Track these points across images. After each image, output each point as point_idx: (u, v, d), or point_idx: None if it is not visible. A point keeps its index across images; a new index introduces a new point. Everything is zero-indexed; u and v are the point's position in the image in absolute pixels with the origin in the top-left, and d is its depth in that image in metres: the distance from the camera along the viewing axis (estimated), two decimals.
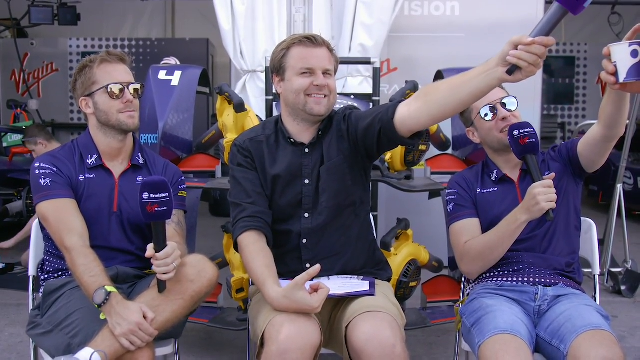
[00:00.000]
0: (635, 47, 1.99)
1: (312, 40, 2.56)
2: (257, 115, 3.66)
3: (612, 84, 2.07)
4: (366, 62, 4.27)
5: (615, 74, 2.04)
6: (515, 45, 1.97)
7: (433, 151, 3.90)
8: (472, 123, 2.83)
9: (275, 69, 2.62)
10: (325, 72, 2.55)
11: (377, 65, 4.03)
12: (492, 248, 2.63)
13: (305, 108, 2.54)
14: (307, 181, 2.58)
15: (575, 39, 11.15)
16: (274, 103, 3.90)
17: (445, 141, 3.89)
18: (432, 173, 3.88)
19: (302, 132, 2.62)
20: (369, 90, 4.28)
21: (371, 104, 3.94)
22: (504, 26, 5.31)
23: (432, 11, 5.58)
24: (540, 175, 2.54)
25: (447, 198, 2.84)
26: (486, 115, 2.74)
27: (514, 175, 2.78)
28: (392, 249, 3.45)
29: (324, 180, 2.57)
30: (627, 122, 4.30)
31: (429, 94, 2.28)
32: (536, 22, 1.98)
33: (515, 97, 2.75)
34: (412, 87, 3.60)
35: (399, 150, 3.49)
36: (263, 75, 4.59)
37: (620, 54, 2.02)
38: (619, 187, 5.29)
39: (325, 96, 2.54)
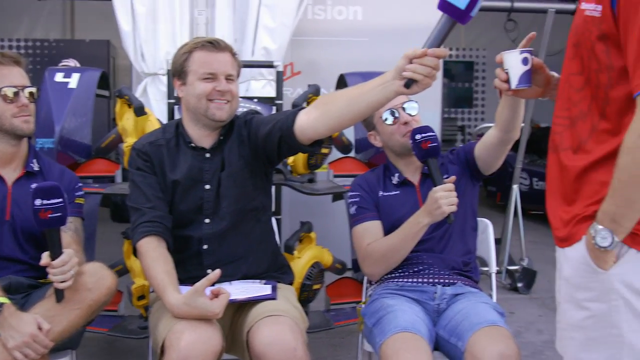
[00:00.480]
0: (525, 54, 2.05)
1: (214, 45, 2.53)
2: (158, 119, 3.61)
3: (505, 91, 2.12)
4: (269, 65, 4.27)
5: (507, 81, 2.08)
6: (409, 58, 2.01)
7: (336, 154, 3.93)
8: (373, 127, 2.87)
9: (177, 73, 2.58)
10: (228, 77, 2.53)
11: (280, 68, 4.04)
12: (394, 250, 2.68)
13: (207, 113, 2.52)
14: (207, 186, 2.56)
15: (474, 45, 11.50)
16: (176, 107, 3.85)
17: (347, 144, 3.93)
18: (335, 176, 3.92)
19: (203, 137, 2.59)
20: (272, 94, 4.28)
21: (274, 107, 3.94)
22: (407, 30, 5.39)
23: (335, 15, 5.63)
24: (441, 178, 2.59)
25: (350, 200, 2.87)
26: (386, 119, 2.79)
27: (415, 178, 2.84)
28: (296, 252, 3.45)
29: (225, 186, 2.55)
30: (522, 125, 4.45)
31: (328, 104, 2.31)
32: None
33: (416, 102, 2.80)
34: (315, 91, 3.62)
35: (302, 154, 3.51)
36: (165, 79, 4.52)
37: (512, 62, 2.06)
38: (515, 187, 5.48)
39: (227, 102, 2.52)
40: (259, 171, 2.61)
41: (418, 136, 2.61)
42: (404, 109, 2.78)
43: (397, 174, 2.84)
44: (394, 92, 2.08)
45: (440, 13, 1.96)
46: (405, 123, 2.76)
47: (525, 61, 2.05)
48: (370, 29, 5.65)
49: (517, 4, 7.41)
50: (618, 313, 1.68)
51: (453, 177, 2.61)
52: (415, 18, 5.40)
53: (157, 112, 4.45)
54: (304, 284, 3.40)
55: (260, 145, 2.51)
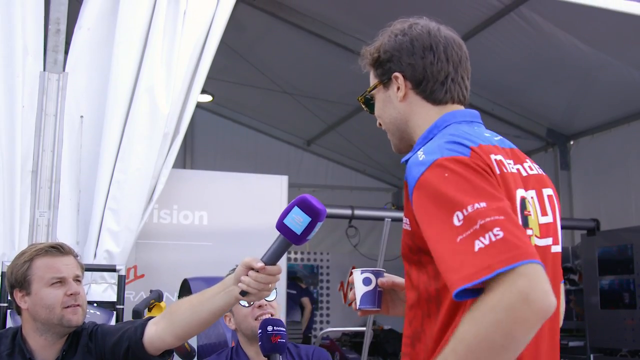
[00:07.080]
0: (367, 274, 1.96)
1: (58, 249, 2.48)
2: None
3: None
4: (111, 269, 4.18)
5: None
6: (247, 267, 2.05)
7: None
8: (229, 309, 2.81)
9: (18, 283, 2.44)
10: (76, 279, 2.47)
11: (123, 272, 3.98)
12: None
13: (63, 321, 2.41)
14: None
15: (318, 249, 11.84)
16: (9, 311, 3.64)
17: (190, 350, 3.82)
18: None
19: (46, 348, 2.45)
20: (114, 298, 4.17)
21: (115, 312, 3.82)
22: (250, 234, 5.49)
23: (180, 220, 5.67)
24: None
25: None
26: (243, 302, 2.71)
27: None
28: None
29: None
30: (364, 328, 4.50)
31: (173, 313, 2.30)
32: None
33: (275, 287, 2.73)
34: (157, 297, 3.56)
35: None
36: None
37: (355, 281, 1.97)
38: None
39: (79, 305, 2.44)
40: None
41: (270, 327, 2.50)
42: None
43: None
44: (234, 297, 2.12)
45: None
46: (260, 306, 2.72)
47: (366, 281, 1.95)
48: (214, 234, 5.72)
49: (357, 212, 7.85)
50: None
51: None
52: (258, 222, 5.54)
53: None
54: None
55: (108, 356, 2.43)
